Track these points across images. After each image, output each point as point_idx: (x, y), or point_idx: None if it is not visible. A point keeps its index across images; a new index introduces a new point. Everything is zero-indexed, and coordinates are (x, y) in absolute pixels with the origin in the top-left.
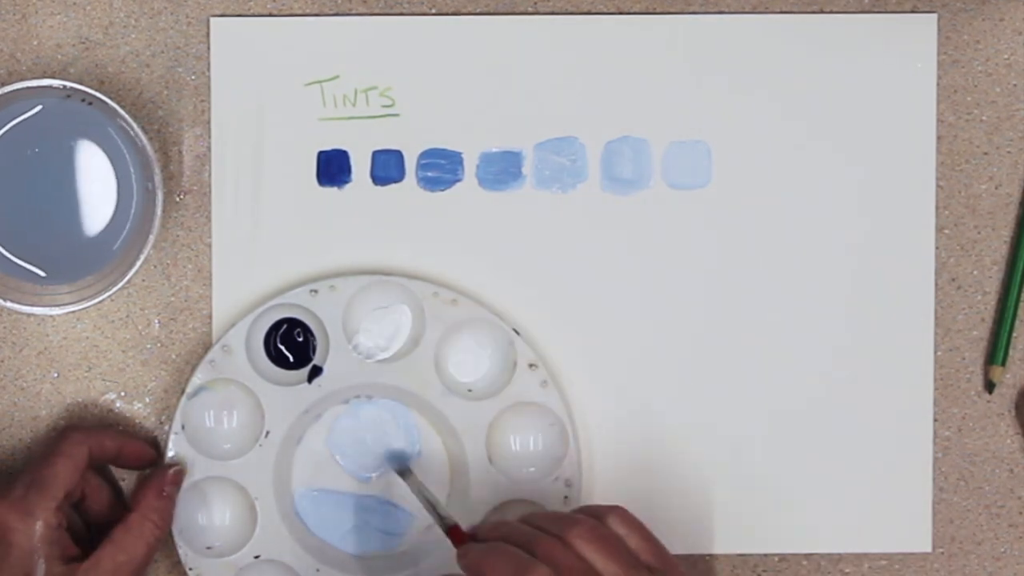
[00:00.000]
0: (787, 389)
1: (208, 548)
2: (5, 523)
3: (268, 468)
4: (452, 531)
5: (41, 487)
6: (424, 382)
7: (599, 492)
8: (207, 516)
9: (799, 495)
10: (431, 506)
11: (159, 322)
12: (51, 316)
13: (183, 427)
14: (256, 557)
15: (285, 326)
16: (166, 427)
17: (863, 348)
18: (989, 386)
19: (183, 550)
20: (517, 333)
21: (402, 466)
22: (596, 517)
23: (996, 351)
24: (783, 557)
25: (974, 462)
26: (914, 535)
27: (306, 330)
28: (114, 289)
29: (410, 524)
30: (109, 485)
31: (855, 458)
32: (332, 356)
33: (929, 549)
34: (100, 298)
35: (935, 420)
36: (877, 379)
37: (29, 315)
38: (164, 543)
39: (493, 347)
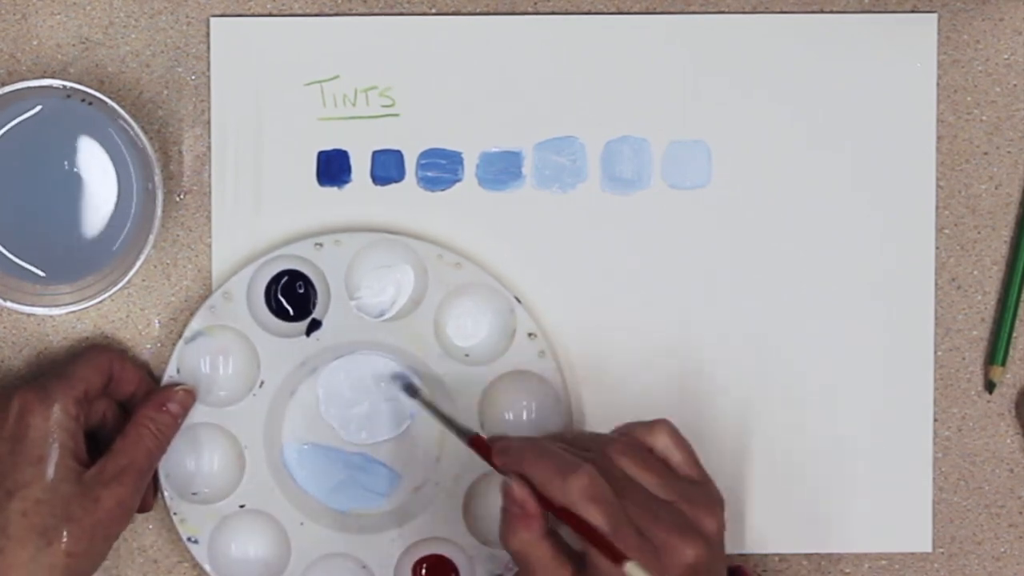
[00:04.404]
0: (786, 389)
1: (194, 494)
2: (25, 403)
3: (260, 418)
4: (475, 440)
5: (61, 377)
6: (422, 343)
7: None
8: (195, 461)
9: (799, 495)
10: (447, 420)
11: (159, 322)
12: (51, 316)
13: (178, 371)
14: (241, 506)
15: (287, 278)
16: (162, 368)
17: (863, 348)
18: (989, 386)
19: (169, 494)
20: (519, 301)
21: (408, 383)
22: (640, 432)
23: (996, 351)
24: (783, 557)
25: (974, 462)
26: (914, 535)
27: (308, 283)
28: (114, 289)
29: (397, 484)
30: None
31: (855, 458)
32: (332, 311)
33: (929, 549)
34: (100, 298)
35: (935, 420)
36: (877, 379)
37: (29, 315)
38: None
39: (493, 313)
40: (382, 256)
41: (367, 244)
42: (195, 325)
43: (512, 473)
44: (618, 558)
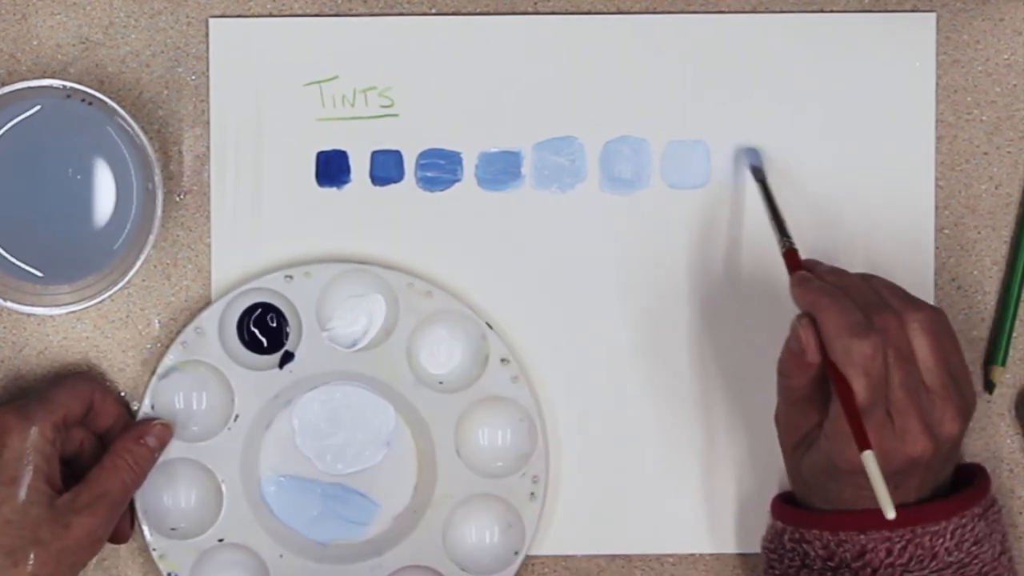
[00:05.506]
0: None
1: (172, 529)
2: (3, 423)
3: (236, 452)
4: (789, 254)
5: (42, 401)
6: (395, 372)
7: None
8: (172, 497)
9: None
10: (776, 219)
11: (159, 322)
12: (51, 316)
13: (152, 407)
14: (220, 540)
15: (259, 311)
16: (135, 405)
17: None
18: (989, 386)
19: (148, 529)
20: (490, 327)
21: (757, 165)
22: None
23: (996, 351)
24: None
25: (974, 462)
26: None
27: (280, 316)
28: (114, 289)
29: (375, 513)
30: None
31: None
32: (304, 343)
33: None
34: (100, 298)
35: None
36: None
37: (29, 315)
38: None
39: (466, 340)
40: (352, 286)
41: (337, 275)
42: (168, 361)
43: (804, 310)
44: (861, 441)
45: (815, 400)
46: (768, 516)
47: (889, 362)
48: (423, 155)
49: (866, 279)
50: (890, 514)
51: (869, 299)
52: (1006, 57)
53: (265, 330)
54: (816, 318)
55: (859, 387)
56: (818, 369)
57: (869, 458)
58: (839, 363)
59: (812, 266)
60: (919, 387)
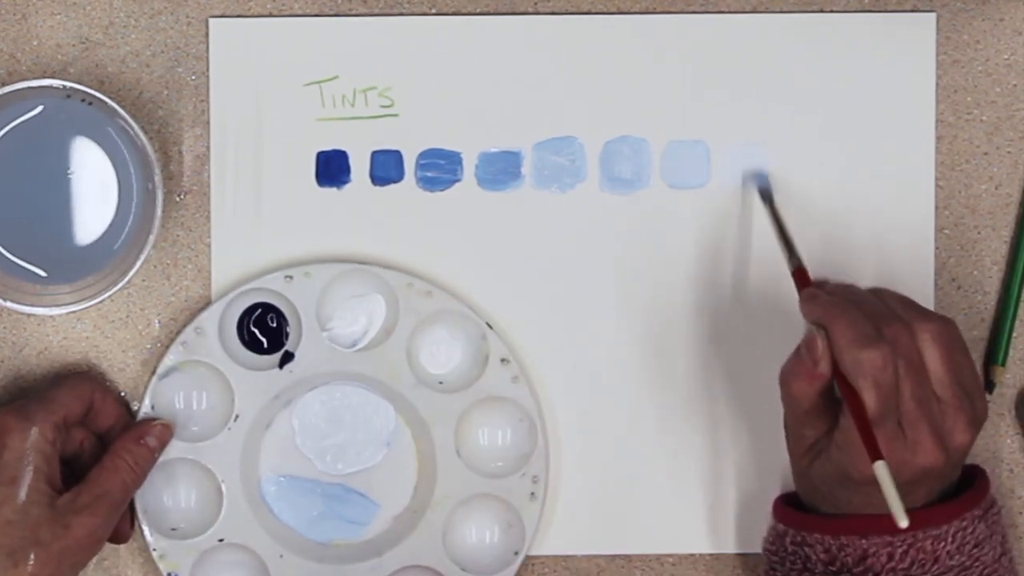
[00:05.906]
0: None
1: (173, 529)
2: (3, 424)
3: (236, 452)
4: (797, 273)
5: (42, 401)
6: (395, 372)
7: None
8: (172, 497)
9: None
10: (784, 239)
11: (159, 322)
12: (51, 316)
13: (152, 407)
14: (220, 540)
15: (259, 311)
16: (136, 405)
17: None
18: (989, 386)
19: (148, 529)
20: (490, 327)
21: (765, 187)
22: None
23: (996, 351)
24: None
25: (974, 462)
26: None
27: (280, 316)
28: (114, 289)
29: (375, 513)
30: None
31: None
32: (304, 343)
33: None
34: (100, 298)
35: None
36: None
37: (29, 315)
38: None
39: (466, 340)
40: (353, 286)
41: (337, 275)
42: (168, 361)
43: (815, 323)
44: (872, 452)
45: (822, 410)
46: (769, 517)
47: (900, 373)
48: (423, 155)
49: (875, 292)
50: (903, 523)
51: (878, 311)
52: (1006, 57)
53: (265, 330)
54: (826, 331)
55: (870, 398)
56: (826, 381)
57: (882, 468)
58: (849, 375)
59: (821, 283)
60: (930, 398)
